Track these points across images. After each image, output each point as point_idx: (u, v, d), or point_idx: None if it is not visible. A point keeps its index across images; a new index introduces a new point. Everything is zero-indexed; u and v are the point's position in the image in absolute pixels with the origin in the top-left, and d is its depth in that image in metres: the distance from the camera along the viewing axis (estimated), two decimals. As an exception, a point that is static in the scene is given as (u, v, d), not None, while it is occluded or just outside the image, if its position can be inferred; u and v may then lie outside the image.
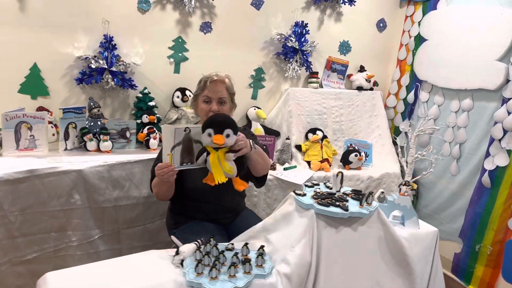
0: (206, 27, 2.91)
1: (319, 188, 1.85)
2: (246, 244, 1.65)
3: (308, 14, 3.24)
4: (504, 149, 2.78)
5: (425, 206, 3.39)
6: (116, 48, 2.62)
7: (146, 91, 2.77)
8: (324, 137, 3.21)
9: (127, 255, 1.69)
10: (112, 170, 2.35)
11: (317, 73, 3.33)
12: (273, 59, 3.20)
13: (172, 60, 2.87)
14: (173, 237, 1.72)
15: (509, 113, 2.75)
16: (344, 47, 3.47)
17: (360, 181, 3.09)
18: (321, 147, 3.13)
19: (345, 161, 3.17)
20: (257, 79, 3.17)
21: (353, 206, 1.68)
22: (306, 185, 1.88)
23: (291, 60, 3.18)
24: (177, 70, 2.90)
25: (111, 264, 1.59)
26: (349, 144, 3.34)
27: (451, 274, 3.10)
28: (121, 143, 2.57)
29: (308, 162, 3.08)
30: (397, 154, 3.46)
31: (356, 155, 3.13)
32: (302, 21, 3.16)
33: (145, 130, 2.63)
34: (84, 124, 2.46)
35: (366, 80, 3.47)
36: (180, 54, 2.88)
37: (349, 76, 3.54)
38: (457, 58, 3.08)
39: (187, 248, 1.64)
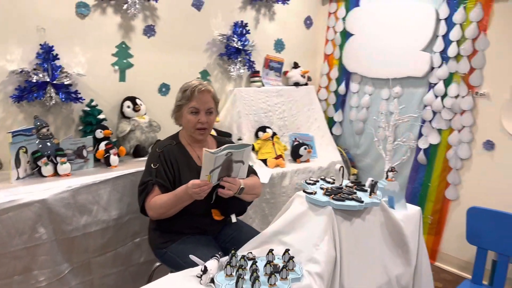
0: (149, 31, 2.74)
1: (323, 184, 1.89)
2: (271, 251, 1.62)
3: (245, 13, 3.25)
4: (435, 128, 3.14)
5: (365, 188, 3.66)
6: (58, 59, 2.33)
7: (93, 103, 2.52)
8: (274, 134, 3.26)
9: (147, 285, 1.54)
10: (78, 195, 2.11)
11: (258, 72, 3.36)
12: (216, 60, 3.15)
13: (116, 67, 2.65)
14: (192, 256, 1.61)
15: (436, 97, 3.11)
16: (279, 45, 3.56)
17: (312, 172, 3.22)
18: (273, 144, 3.18)
19: (295, 155, 3.26)
20: (203, 82, 3.09)
21: (363, 197, 1.76)
22: (307, 183, 1.90)
23: (235, 60, 3.16)
24: (122, 78, 2.69)
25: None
26: (293, 139, 3.44)
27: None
28: (78, 164, 2.31)
29: (263, 160, 3.11)
30: (336, 143, 3.68)
31: (305, 148, 3.24)
32: (242, 21, 3.16)
33: (103, 146, 2.39)
34: (35, 147, 2.15)
35: (302, 75, 3.61)
36: (124, 61, 2.67)
37: (285, 73, 3.64)
38: (385, 50, 3.37)
39: (213, 265, 1.56)
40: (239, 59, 3.18)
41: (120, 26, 2.62)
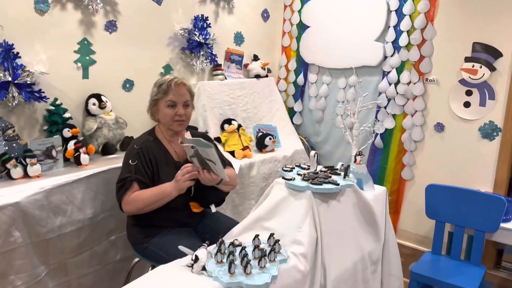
0: (111, 26, 2.70)
1: (300, 171, 1.99)
2: (257, 236, 1.70)
3: (205, 7, 3.27)
4: (390, 114, 3.35)
5: (327, 174, 3.83)
6: (20, 57, 2.26)
7: (58, 102, 2.46)
8: (239, 126, 3.32)
9: (137, 279, 1.56)
10: (51, 195, 2.07)
11: (220, 65, 3.40)
12: (179, 54, 3.15)
13: (79, 64, 2.59)
14: (181, 247, 1.65)
15: (390, 84, 3.31)
16: (239, 38, 3.61)
17: (278, 161, 3.32)
18: (239, 136, 3.24)
19: (261, 145, 3.35)
20: (166, 77, 3.09)
21: (338, 180, 1.88)
22: (284, 170, 1.99)
23: (197, 54, 3.18)
24: (85, 75, 2.63)
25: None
26: (257, 130, 3.52)
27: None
28: (48, 164, 2.25)
29: (231, 152, 3.16)
30: (297, 132, 3.81)
31: (270, 138, 3.33)
32: (202, 15, 3.18)
33: (71, 145, 2.35)
34: (2, 149, 2.08)
35: (262, 68, 3.69)
36: (87, 58, 2.62)
37: (246, 65, 3.71)
38: (340, 41, 3.52)
39: (203, 254, 1.61)
40: (202, 52, 3.20)
41: (81, 22, 2.56)
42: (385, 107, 3.35)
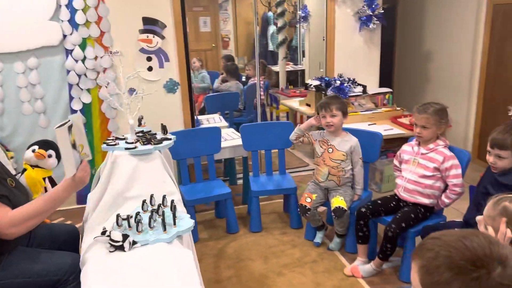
0: None
1: (127, 140, 2.11)
2: (145, 201, 1.84)
3: None
4: (84, 89, 3.53)
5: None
6: None
7: None
8: None
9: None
10: None
11: None
12: None
13: None
14: (97, 237, 1.59)
15: (76, 61, 3.46)
16: None
17: None
18: None
19: None
20: None
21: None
22: (109, 145, 2.06)
23: None
24: None
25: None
26: None
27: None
28: None
29: None
30: None
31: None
32: None
33: None
34: None
35: None
36: None
37: None
38: (10, 22, 3.23)
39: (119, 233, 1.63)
40: None
41: None
42: (77, 84, 3.49)
